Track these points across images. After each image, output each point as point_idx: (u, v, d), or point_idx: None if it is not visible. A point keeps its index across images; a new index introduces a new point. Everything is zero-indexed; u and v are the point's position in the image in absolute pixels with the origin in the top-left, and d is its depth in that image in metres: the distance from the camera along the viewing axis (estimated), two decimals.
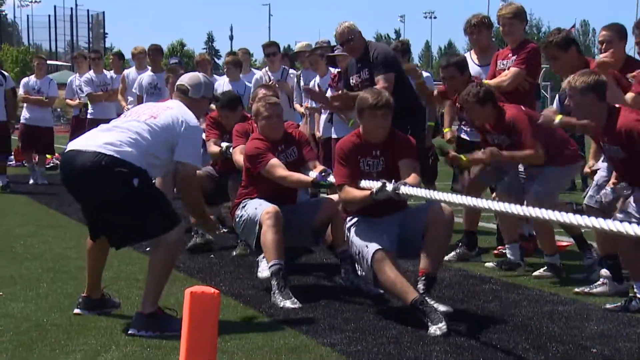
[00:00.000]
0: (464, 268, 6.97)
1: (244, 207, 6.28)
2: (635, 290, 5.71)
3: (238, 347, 4.61)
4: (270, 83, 9.97)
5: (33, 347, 4.63)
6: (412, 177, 5.49)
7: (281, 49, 11.76)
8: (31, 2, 65.08)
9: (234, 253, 7.53)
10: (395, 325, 5.14)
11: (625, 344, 4.81)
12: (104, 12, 43.40)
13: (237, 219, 6.35)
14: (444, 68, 7.36)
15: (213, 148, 7.87)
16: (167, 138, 5.15)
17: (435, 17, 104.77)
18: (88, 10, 41.97)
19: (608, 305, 5.74)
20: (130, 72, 12.72)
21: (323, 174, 6.16)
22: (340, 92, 7.78)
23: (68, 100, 14.04)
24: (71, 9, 45.00)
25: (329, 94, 8.73)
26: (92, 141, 5.06)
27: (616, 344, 4.80)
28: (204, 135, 7.67)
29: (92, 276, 5.41)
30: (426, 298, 5.21)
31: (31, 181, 13.55)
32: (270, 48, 10.95)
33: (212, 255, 7.41)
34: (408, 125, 7.38)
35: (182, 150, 5.15)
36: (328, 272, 6.74)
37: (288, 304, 5.64)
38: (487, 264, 7.13)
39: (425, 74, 10.02)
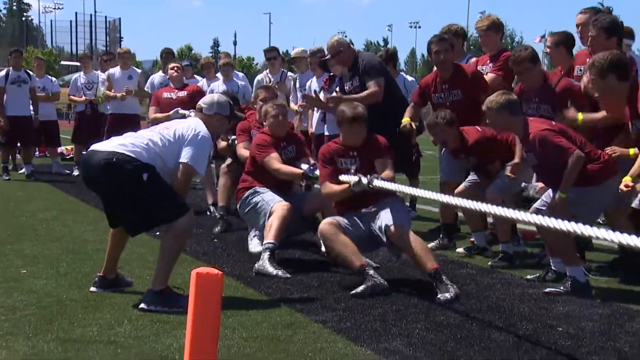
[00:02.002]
0: (444, 254, 6.95)
1: (254, 194, 6.64)
2: (551, 263, 6.00)
3: (239, 322, 4.61)
4: (270, 84, 10.00)
5: (53, 321, 4.62)
6: (386, 173, 5.74)
7: (280, 53, 11.74)
8: (55, 8, 65.21)
9: (215, 230, 7.93)
10: (380, 304, 5.13)
11: (588, 323, 4.81)
12: (120, 19, 43.48)
13: (246, 203, 6.70)
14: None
15: (222, 143, 8.12)
16: (178, 149, 5.16)
17: (419, 27, 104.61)
18: (106, 17, 42.01)
19: (529, 277, 6.05)
20: (115, 71, 12.57)
21: (312, 167, 6.44)
22: (335, 94, 7.79)
23: (72, 97, 13.87)
24: (90, 15, 45.17)
25: (321, 94, 8.71)
26: (109, 143, 5.19)
27: (579, 323, 4.80)
28: None
29: (110, 258, 5.43)
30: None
31: (23, 170, 13.35)
32: (271, 53, 10.98)
33: (215, 240, 7.39)
34: (395, 123, 7.39)
35: (187, 152, 5.14)
36: (320, 257, 6.73)
37: (280, 272, 5.90)
38: (457, 250, 7.11)
39: (410, 78, 10.01)
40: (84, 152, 5.32)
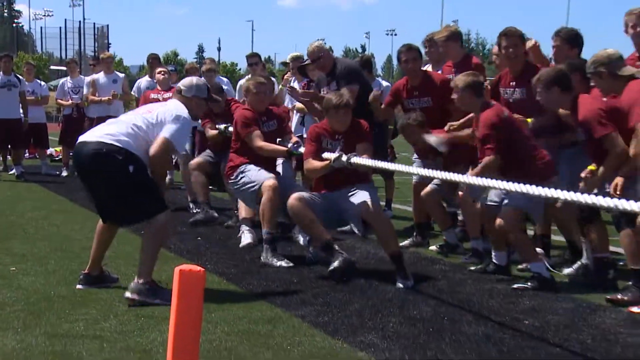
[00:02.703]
0: (417, 252, 6.99)
1: (242, 171, 6.66)
2: (493, 256, 6.14)
3: (221, 317, 4.61)
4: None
5: (41, 316, 4.60)
6: (365, 155, 5.86)
7: (262, 59, 11.73)
8: (45, 15, 64.80)
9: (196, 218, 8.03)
10: (357, 300, 5.15)
11: (553, 316, 4.85)
12: (108, 25, 43.13)
13: (236, 181, 6.73)
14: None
15: (211, 132, 8.13)
16: (160, 130, 5.18)
17: (396, 34, 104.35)
18: (94, 23, 41.71)
19: (472, 268, 6.25)
20: (99, 76, 12.56)
21: (295, 145, 6.59)
22: (312, 90, 7.88)
23: (60, 100, 13.77)
24: (79, 22, 44.84)
25: None
26: (96, 133, 5.21)
27: (545, 317, 4.84)
28: (200, 126, 8.45)
29: (95, 256, 5.43)
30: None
31: (13, 171, 13.17)
32: (253, 58, 10.98)
33: (199, 238, 7.37)
34: (371, 127, 7.40)
35: (168, 129, 5.16)
36: (301, 253, 6.72)
37: (283, 263, 6.15)
38: (431, 247, 7.11)
39: (385, 83, 10.02)
40: (72, 153, 5.36)
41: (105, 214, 5.34)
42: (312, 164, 6.07)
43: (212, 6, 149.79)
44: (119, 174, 5.02)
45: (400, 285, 5.57)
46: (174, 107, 5.37)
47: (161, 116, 5.23)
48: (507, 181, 4.13)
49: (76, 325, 4.42)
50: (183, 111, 5.32)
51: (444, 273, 6.13)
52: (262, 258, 6.28)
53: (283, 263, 6.15)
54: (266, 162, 6.75)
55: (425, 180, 7.13)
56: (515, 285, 5.62)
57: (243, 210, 7.20)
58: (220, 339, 4.18)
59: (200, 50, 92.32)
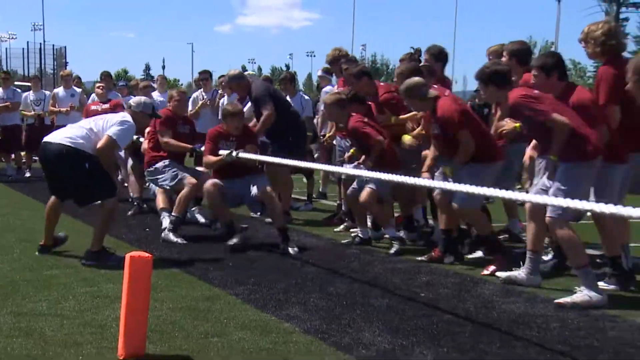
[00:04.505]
0: (333, 238, 7.03)
1: (166, 167, 7.05)
2: (358, 232, 6.71)
3: (166, 297, 4.57)
4: (203, 101, 10.16)
5: (8, 298, 4.48)
6: (252, 152, 6.49)
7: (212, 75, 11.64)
8: (9, 38, 63.09)
9: (128, 213, 8.13)
10: (283, 279, 5.17)
11: (444, 290, 4.95)
12: (65, 47, 41.93)
13: (157, 173, 7.10)
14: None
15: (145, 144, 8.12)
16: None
17: (314, 56, 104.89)
18: (53, 45, 40.43)
19: (343, 241, 6.70)
20: (59, 90, 12.30)
21: (199, 145, 7.02)
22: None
23: (23, 112, 13.34)
24: (40, 43, 43.41)
25: None
26: (59, 135, 5.66)
27: (437, 290, 4.93)
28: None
29: (47, 231, 5.90)
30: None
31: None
32: (204, 74, 10.89)
33: (147, 230, 7.26)
34: (291, 136, 7.46)
35: (113, 129, 5.58)
36: (237, 241, 6.68)
37: (179, 240, 6.52)
38: (342, 242, 6.77)
39: (306, 97, 10.06)
40: (35, 158, 5.66)
41: (63, 195, 5.80)
42: (210, 158, 6.55)
43: (157, 30, 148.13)
44: (78, 170, 5.50)
45: (290, 251, 6.10)
46: (121, 115, 5.83)
47: (111, 121, 5.65)
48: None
49: (39, 305, 4.32)
50: (129, 119, 5.76)
51: (355, 255, 6.19)
52: (163, 235, 6.64)
53: (180, 240, 6.51)
54: (178, 155, 7.26)
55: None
56: (391, 251, 6.15)
57: (161, 202, 7.22)
58: (166, 315, 4.15)
59: (147, 68, 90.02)
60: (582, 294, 4.53)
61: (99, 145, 5.52)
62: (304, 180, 9.45)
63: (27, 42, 43.68)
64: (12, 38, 61.27)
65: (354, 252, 6.36)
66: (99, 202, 5.68)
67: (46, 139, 5.69)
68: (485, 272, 5.45)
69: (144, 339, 3.40)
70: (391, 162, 6.28)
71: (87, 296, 4.56)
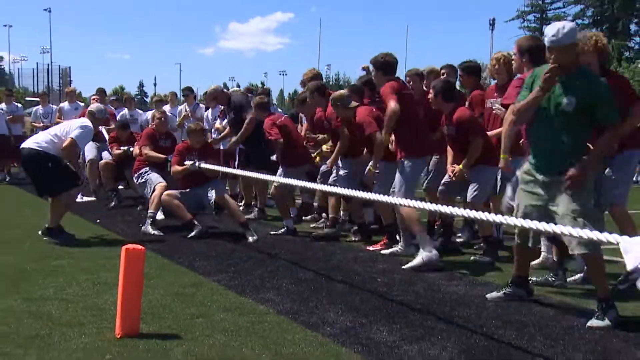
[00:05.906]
0: (302, 232, 7.07)
1: (147, 173, 7.41)
2: (284, 224, 6.90)
3: (158, 284, 4.59)
4: (186, 112, 10.75)
5: (19, 285, 4.48)
6: (210, 162, 6.76)
7: (193, 91, 11.89)
8: (21, 59, 63.62)
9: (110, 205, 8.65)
10: (259, 267, 5.22)
11: (398, 275, 5.02)
12: (70, 67, 42.07)
13: (140, 179, 7.48)
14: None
15: (116, 151, 8.84)
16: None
17: (286, 74, 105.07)
18: (59, 65, 40.40)
19: (272, 232, 6.84)
20: (64, 105, 12.33)
21: (170, 156, 7.18)
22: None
23: (33, 123, 13.22)
24: (48, 64, 43.59)
25: (217, 121, 9.24)
26: (31, 140, 6.22)
27: (392, 276, 5.00)
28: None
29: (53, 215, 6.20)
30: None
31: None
32: (186, 91, 11.56)
33: (141, 226, 7.24)
34: (264, 142, 7.52)
35: (75, 132, 6.11)
36: (218, 232, 6.75)
37: (157, 232, 6.68)
38: (313, 234, 6.78)
39: (279, 110, 10.15)
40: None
41: (40, 190, 6.24)
42: (176, 168, 6.85)
43: (149, 52, 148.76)
44: (43, 167, 6.00)
45: (250, 239, 6.33)
46: (82, 120, 6.41)
47: (74, 126, 6.20)
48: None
49: (47, 291, 4.33)
50: (88, 123, 6.31)
51: (321, 247, 6.25)
52: (142, 228, 6.80)
53: (157, 232, 6.67)
54: (159, 164, 7.50)
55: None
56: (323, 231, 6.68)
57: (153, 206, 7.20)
58: (157, 300, 4.17)
59: (141, 85, 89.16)
60: (419, 257, 5.22)
61: (63, 145, 6.03)
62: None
63: (37, 63, 43.72)
64: (24, 60, 61.67)
65: (320, 244, 6.41)
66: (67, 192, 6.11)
67: (22, 145, 6.20)
68: (370, 248, 6.06)
69: (138, 320, 3.44)
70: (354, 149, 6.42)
71: (88, 283, 4.58)
